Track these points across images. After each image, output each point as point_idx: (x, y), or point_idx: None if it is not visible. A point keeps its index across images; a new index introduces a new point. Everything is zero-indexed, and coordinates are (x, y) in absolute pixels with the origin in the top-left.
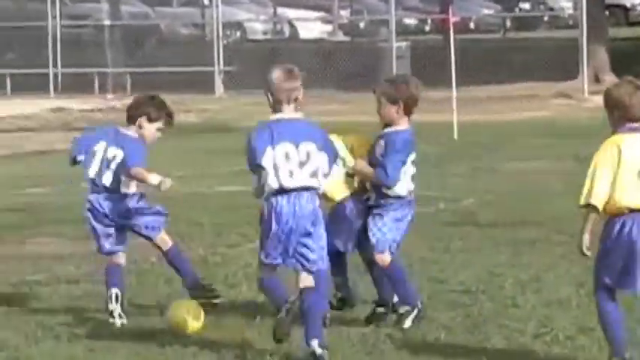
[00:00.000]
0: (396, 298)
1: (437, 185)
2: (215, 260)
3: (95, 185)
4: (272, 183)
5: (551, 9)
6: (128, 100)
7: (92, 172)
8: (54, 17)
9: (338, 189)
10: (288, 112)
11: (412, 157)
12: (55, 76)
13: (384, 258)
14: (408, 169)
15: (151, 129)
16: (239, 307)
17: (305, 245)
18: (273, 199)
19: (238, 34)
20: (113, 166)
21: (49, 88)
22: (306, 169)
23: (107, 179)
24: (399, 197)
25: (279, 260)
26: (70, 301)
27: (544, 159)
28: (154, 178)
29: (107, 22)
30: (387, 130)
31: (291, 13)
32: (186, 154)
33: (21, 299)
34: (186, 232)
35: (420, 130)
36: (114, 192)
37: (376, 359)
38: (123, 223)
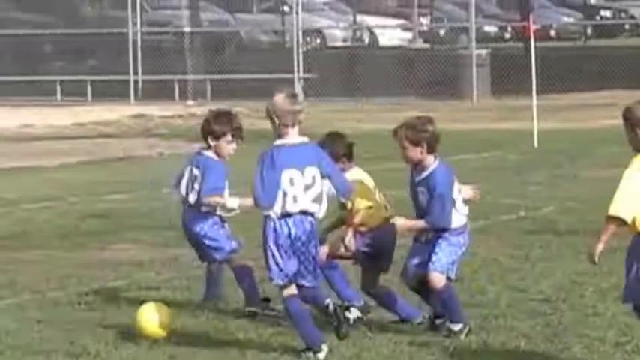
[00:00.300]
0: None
1: (517, 193)
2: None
3: (184, 202)
4: (276, 208)
5: (632, 17)
6: (208, 107)
7: (182, 190)
8: (134, 24)
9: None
10: (293, 136)
11: (455, 187)
12: (136, 82)
13: (440, 278)
14: (458, 200)
15: (220, 146)
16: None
17: (303, 263)
18: (277, 222)
19: (318, 41)
20: (197, 186)
21: (129, 94)
22: (310, 193)
23: (192, 198)
24: (455, 229)
25: (288, 274)
26: None
27: (624, 167)
28: (230, 202)
29: (187, 29)
30: (422, 176)
31: (370, 20)
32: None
33: (102, 305)
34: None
35: (500, 138)
36: (196, 209)
37: None
38: (194, 240)
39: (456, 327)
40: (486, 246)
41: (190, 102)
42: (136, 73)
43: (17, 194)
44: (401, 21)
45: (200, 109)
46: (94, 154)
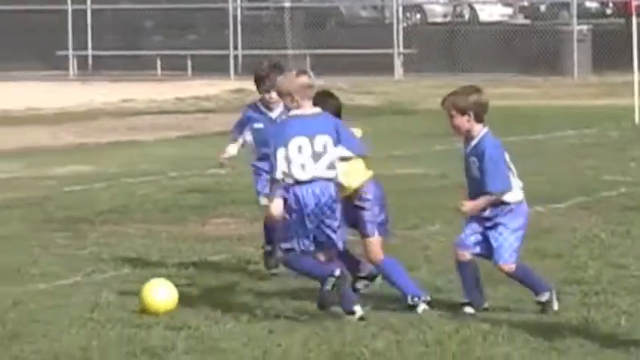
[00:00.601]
0: None
1: (618, 169)
2: (394, 243)
3: None
4: (278, 173)
5: None
6: None
7: None
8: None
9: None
10: (307, 108)
11: (506, 155)
12: (235, 57)
13: (510, 266)
14: (513, 169)
15: None
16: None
17: (324, 229)
18: (291, 189)
19: (418, 16)
20: None
21: (229, 69)
22: (323, 161)
23: None
24: (515, 202)
25: (303, 244)
26: (249, 283)
27: None
28: None
29: (287, 4)
30: (471, 145)
31: None
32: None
33: (202, 279)
34: None
35: (600, 114)
36: None
37: (558, 344)
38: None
39: (544, 297)
40: (587, 222)
41: None
42: (235, 48)
43: (118, 168)
44: None
45: None
46: (194, 128)
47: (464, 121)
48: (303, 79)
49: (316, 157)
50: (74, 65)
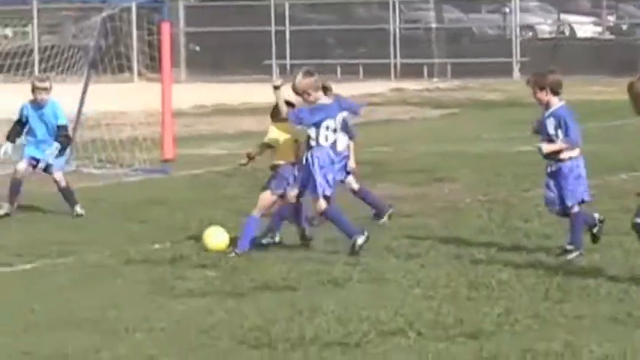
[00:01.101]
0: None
1: None
2: (513, 202)
3: None
4: (311, 141)
5: None
6: (450, 83)
7: None
8: (394, 21)
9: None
10: (324, 98)
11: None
12: (395, 65)
13: (575, 208)
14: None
15: None
16: (532, 237)
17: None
18: (313, 151)
19: (530, 33)
20: None
21: (390, 73)
22: (340, 132)
23: None
24: (575, 157)
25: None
26: (406, 230)
27: None
28: None
29: (433, 25)
30: (550, 110)
31: (570, 17)
32: (492, 123)
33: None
34: (492, 181)
35: None
36: None
37: (628, 306)
38: None
39: (570, 247)
40: None
41: (435, 79)
42: (395, 57)
43: None
44: (593, 18)
45: (443, 85)
46: (364, 117)
47: (544, 95)
48: (313, 78)
49: (336, 131)
50: (276, 71)
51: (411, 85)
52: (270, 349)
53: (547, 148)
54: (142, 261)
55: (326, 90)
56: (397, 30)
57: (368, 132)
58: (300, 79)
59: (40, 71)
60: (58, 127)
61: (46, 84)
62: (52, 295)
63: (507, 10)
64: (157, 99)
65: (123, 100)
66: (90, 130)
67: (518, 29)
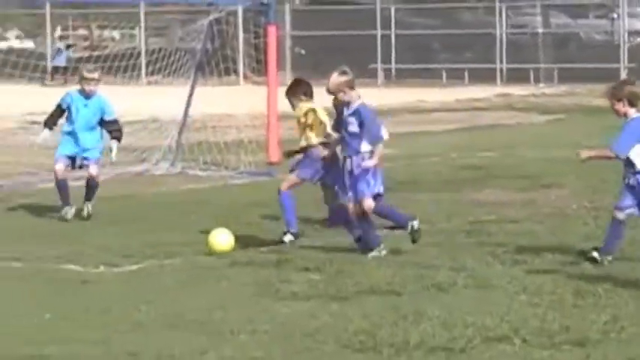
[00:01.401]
0: None
1: None
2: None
3: None
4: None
5: None
6: (556, 89)
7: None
8: (501, 26)
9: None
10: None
11: None
12: (501, 70)
13: (619, 215)
14: None
15: None
16: (637, 245)
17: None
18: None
19: (639, 39)
20: None
21: (496, 78)
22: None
23: None
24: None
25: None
26: (512, 236)
27: None
28: None
29: (540, 30)
30: (625, 121)
31: None
32: (597, 129)
33: (480, 235)
34: (598, 187)
35: None
36: None
37: None
38: None
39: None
40: None
41: (542, 85)
42: (501, 62)
43: (413, 151)
44: None
45: (549, 90)
46: (469, 122)
47: (620, 106)
48: (345, 78)
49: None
50: (381, 76)
51: (516, 91)
52: (375, 352)
53: (585, 154)
54: (246, 263)
55: None
56: (503, 35)
57: (473, 137)
58: (336, 78)
59: (147, 74)
60: (109, 121)
61: (95, 75)
62: (158, 295)
63: (615, 15)
64: (263, 102)
65: (229, 103)
66: (196, 133)
67: (626, 35)
